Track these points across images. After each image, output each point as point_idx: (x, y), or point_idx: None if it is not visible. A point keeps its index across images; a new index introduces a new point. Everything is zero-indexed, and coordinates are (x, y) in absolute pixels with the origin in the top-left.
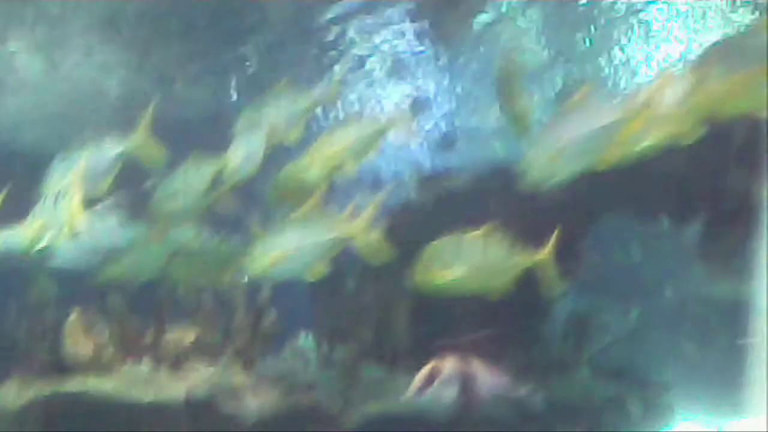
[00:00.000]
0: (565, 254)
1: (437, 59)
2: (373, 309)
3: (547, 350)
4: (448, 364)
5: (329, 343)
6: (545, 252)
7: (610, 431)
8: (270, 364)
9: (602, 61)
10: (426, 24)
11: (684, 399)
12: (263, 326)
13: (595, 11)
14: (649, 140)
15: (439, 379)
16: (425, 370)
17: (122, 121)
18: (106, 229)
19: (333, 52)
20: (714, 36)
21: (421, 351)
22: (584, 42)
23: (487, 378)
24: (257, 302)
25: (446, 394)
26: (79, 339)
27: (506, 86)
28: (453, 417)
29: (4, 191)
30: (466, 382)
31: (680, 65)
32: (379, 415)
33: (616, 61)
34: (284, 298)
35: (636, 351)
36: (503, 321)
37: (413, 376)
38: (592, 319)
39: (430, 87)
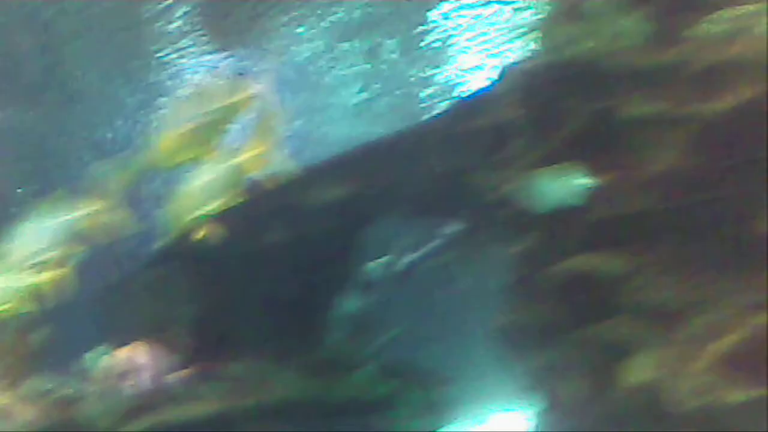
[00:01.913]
0: (344, 257)
1: None
2: (161, 318)
3: (331, 348)
4: (137, 352)
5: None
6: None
7: (394, 425)
8: (41, 381)
9: None
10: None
11: (472, 393)
12: (32, 343)
13: None
14: None
15: (135, 367)
16: (121, 358)
17: None
18: None
19: None
20: None
21: (210, 357)
22: None
23: (159, 362)
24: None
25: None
26: None
27: None
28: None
29: None
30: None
31: None
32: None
33: None
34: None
35: (419, 348)
36: (290, 320)
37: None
38: (376, 317)
39: None
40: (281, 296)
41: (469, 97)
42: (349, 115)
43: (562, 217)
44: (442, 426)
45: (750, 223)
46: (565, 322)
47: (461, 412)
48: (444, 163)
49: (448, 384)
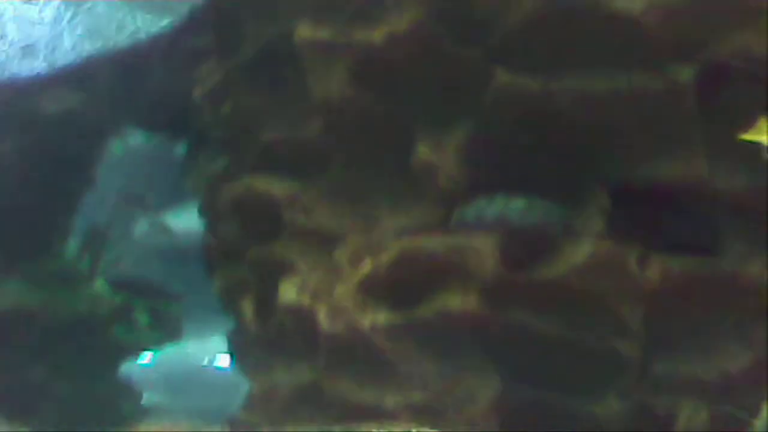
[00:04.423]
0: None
1: None
2: None
3: (61, 261)
4: None
5: None
6: None
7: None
8: None
9: None
10: None
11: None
12: None
13: None
14: None
15: None
16: None
17: None
18: None
19: None
20: None
21: None
22: None
23: None
24: None
25: None
26: None
27: None
28: None
29: None
30: None
31: None
32: None
33: None
34: None
35: (148, 263)
36: (20, 230)
37: None
38: (109, 231)
39: None
40: (11, 205)
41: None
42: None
43: (241, 139)
44: (167, 343)
45: (409, 152)
46: (240, 242)
47: (186, 330)
48: (162, 80)
49: (174, 301)
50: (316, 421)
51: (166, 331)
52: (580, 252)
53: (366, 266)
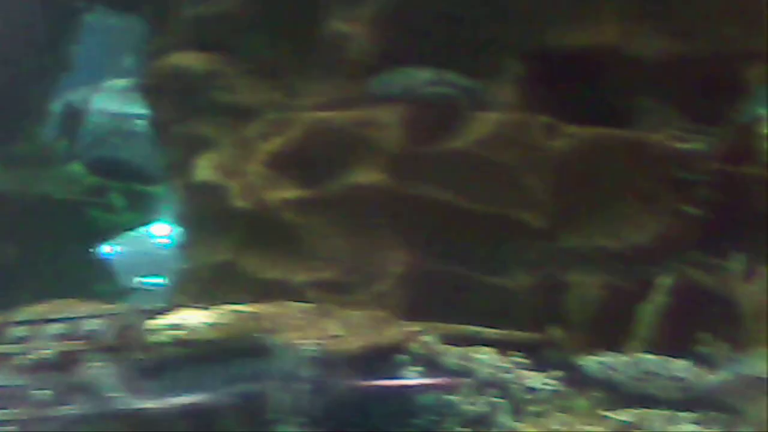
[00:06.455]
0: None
1: None
2: None
3: (33, 144)
4: None
5: None
6: None
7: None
8: None
9: None
10: None
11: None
12: None
13: None
14: None
15: None
16: None
17: None
18: None
19: None
20: None
21: None
22: None
23: None
24: None
25: None
26: None
27: None
28: None
29: None
30: None
31: None
32: None
33: None
34: None
35: (126, 145)
36: None
37: None
38: (85, 113)
39: None
40: None
41: None
42: None
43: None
44: (144, 224)
45: (323, 25)
46: (170, 120)
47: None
48: None
49: (152, 184)
50: (230, 299)
51: (143, 213)
52: (487, 123)
53: (274, 142)
